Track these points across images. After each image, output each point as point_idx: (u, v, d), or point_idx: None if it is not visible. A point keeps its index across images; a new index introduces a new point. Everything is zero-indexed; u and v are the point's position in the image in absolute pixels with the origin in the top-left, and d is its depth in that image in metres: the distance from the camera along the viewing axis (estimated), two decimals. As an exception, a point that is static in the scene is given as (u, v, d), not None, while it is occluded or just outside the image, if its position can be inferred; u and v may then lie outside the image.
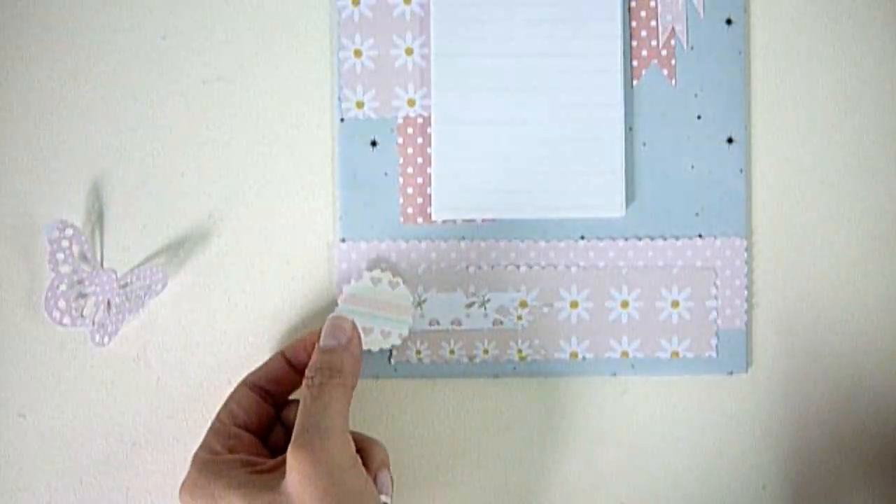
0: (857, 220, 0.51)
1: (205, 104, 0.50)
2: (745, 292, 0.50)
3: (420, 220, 0.50)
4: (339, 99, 0.50)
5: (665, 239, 0.50)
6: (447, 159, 0.49)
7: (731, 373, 0.50)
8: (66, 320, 0.47)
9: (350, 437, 0.42)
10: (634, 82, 0.50)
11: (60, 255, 0.47)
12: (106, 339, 0.48)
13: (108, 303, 0.48)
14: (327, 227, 0.50)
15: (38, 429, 0.50)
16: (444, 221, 0.50)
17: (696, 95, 0.50)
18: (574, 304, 0.50)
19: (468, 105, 0.49)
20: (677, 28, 0.50)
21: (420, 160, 0.50)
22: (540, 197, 0.49)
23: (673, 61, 0.50)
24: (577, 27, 0.49)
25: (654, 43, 0.50)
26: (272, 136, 0.50)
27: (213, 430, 0.45)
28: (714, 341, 0.50)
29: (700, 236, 0.50)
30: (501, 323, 0.49)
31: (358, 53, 0.50)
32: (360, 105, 0.50)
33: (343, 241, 0.49)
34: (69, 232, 0.47)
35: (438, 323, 0.49)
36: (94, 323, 0.48)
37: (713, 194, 0.50)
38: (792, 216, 0.51)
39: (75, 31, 0.50)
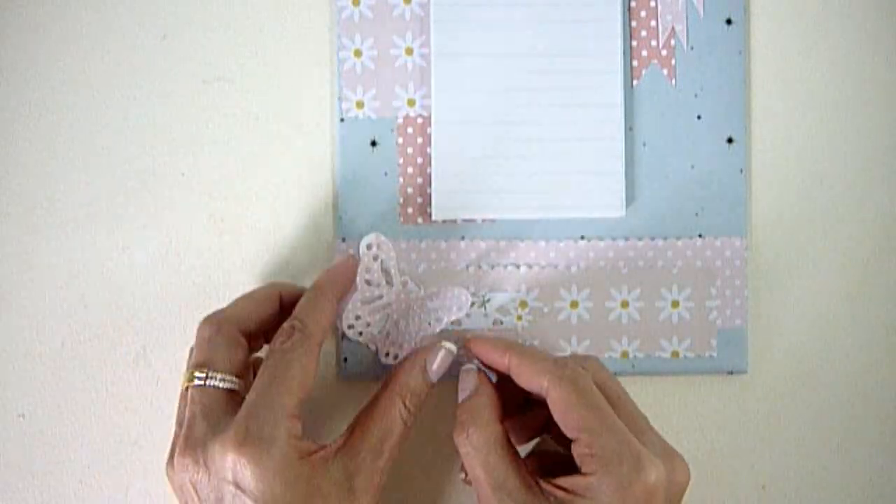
0: (857, 220, 0.51)
1: (205, 104, 0.50)
2: (745, 292, 0.50)
3: (420, 220, 0.50)
4: (339, 99, 0.50)
5: (665, 239, 0.50)
6: (447, 159, 0.49)
7: (731, 373, 0.50)
8: (356, 334, 0.47)
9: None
10: (634, 82, 0.50)
11: (368, 269, 0.47)
12: (398, 356, 0.47)
13: (401, 319, 0.47)
14: (327, 227, 0.50)
15: (38, 429, 0.50)
16: (444, 221, 0.50)
17: (696, 95, 0.50)
18: (574, 304, 0.50)
19: (468, 105, 0.49)
20: (677, 28, 0.50)
21: (420, 160, 0.50)
22: (540, 197, 0.49)
23: (673, 61, 0.50)
24: (577, 27, 0.49)
25: (654, 43, 0.50)
26: (272, 136, 0.50)
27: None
28: (714, 341, 0.50)
29: (700, 236, 0.50)
30: (501, 323, 0.49)
31: (358, 53, 0.50)
32: (360, 105, 0.50)
33: (343, 240, 0.49)
34: (382, 245, 0.47)
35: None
36: (387, 338, 0.47)
37: (713, 194, 0.50)
38: (792, 216, 0.51)
39: (75, 31, 0.50)
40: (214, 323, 0.44)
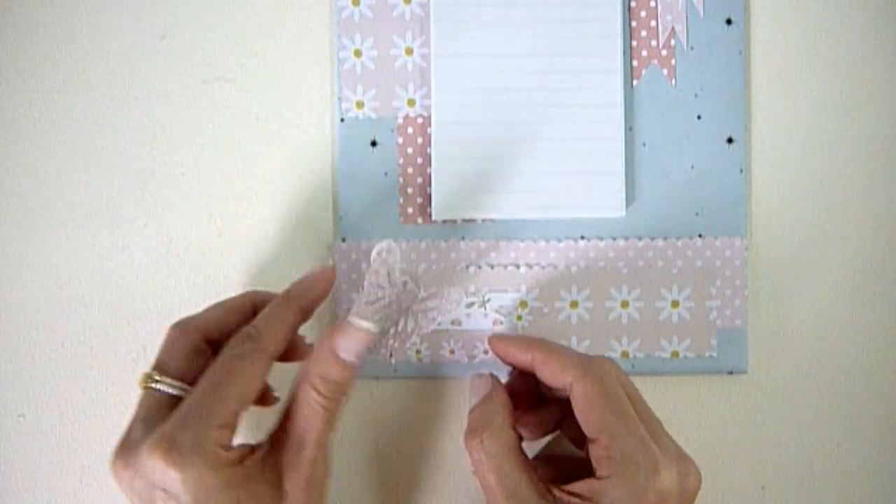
0: (857, 220, 0.51)
1: (205, 104, 0.50)
2: (745, 292, 0.50)
3: (420, 220, 0.50)
4: (339, 99, 0.50)
5: (665, 239, 0.50)
6: (447, 159, 0.49)
7: (731, 373, 0.50)
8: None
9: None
10: (634, 82, 0.50)
11: (378, 271, 0.46)
12: (393, 357, 0.47)
13: (401, 319, 0.47)
14: (327, 227, 0.50)
15: (38, 429, 0.50)
16: (444, 221, 0.50)
17: (696, 95, 0.50)
18: (574, 304, 0.50)
19: (468, 105, 0.49)
20: (677, 28, 0.50)
21: (420, 160, 0.50)
22: (540, 197, 0.49)
23: (673, 61, 0.50)
24: (577, 27, 0.49)
25: (654, 43, 0.50)
26: (272, 136, 0.50)
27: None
28: (714, 341, 0.50)
29: (700, 236, 0.50)
30: (501, 323, 0.49)
31: (358, 53, 0.50)
32: (360, 105, 0.50)
33: (343, 240, 0.49)
34: (392, 250, 0.46)
35: (438, 323, 0.49)
36: (386, 338, 0.46)
37: (713, 194, 0.50)
38: (792, 216, 0.51)
39: (75, 31, 0.50)
40: (180, 328, 0.44)
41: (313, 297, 0.45)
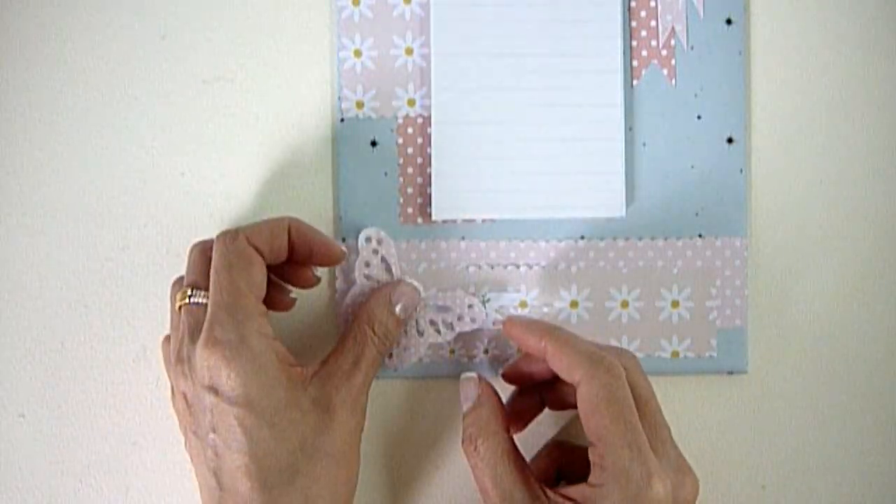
0: (857, 220, 0.51)
1: (205, 104, 0.50)
2: (745, 292, 0.50)
3: (420, 220, 0.50)
4: (339, 99, 0.50)
5: (665, 239, 0.50)
6: (447, 159, 0.49)
7: (731, 373, 0.50)
8: None
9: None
10: (634, 82, 0.50)
11: (368, 263, 0.47)
12: (401, 364, 0.47)
13: (407, 327, 0.47)
14: (327, 227, 0.50)
15: (38, 429, 0.50)
16: (444, 221, 0.50)
17: (696, 95, 0.50)
18: (574, 304, 0.50)
19: (468, 105, 0.49)
20: (677, 28, 0.50)
21: (420, 160, 0.50)
22: (540, 197, 0.49)
23: (673, 61, 0.50)
24: (577, 27, 0.49)
25: (654, 43, 0.50)
26: (272, 136, 0.50)
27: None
28: (714, 341, 0.50)
29: (700, 236, 0.50)
30: (502, 323, 0.49)
31: (358, 53, 0.50)
32: (360, 105, 0.50)
33: (343, 240, 0.49)
34: (382, 240, 0.47)
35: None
36: (401, 343, 0.47)
37: (713, 194, 0.50)
38: (792, 216, 0.51)
39: (75, 30, 0.50)
40: (198, 248, 0.45)
41: (313, 234, 0.46)
